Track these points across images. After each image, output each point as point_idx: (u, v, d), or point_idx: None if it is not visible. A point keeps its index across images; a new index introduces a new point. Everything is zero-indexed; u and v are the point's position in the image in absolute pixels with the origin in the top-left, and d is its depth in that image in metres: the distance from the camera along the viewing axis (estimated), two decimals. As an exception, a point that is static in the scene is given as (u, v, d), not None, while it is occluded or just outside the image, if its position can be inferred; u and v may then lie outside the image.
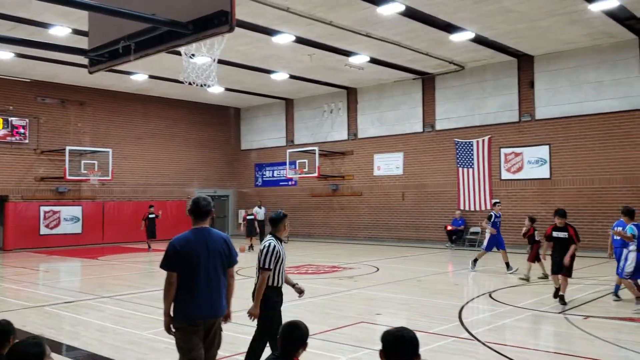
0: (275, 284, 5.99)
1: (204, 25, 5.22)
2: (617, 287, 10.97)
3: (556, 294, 10.70)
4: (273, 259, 5.92)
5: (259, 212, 25.50)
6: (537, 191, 21.12)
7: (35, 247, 23.42)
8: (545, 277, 13.66)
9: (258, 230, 23.94)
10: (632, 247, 9.93)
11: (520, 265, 14.74)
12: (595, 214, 19.74)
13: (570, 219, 21.82)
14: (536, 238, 14.02)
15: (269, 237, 6.12)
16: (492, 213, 15.62)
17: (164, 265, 5.03)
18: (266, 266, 5.91)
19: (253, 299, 5.95)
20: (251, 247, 22.16)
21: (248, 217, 23.08)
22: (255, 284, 5.99)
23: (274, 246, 5.96)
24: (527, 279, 13.57)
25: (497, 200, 16.95)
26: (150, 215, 22.93)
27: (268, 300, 5.92)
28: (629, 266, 9.89)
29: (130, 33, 5.67)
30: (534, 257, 13.79)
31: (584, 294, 11.54)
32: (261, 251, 5.98)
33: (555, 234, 10.76)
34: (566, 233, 10.66)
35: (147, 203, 27.09)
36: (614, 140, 19.57)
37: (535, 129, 21.34)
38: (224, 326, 5.32)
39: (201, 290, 4.98)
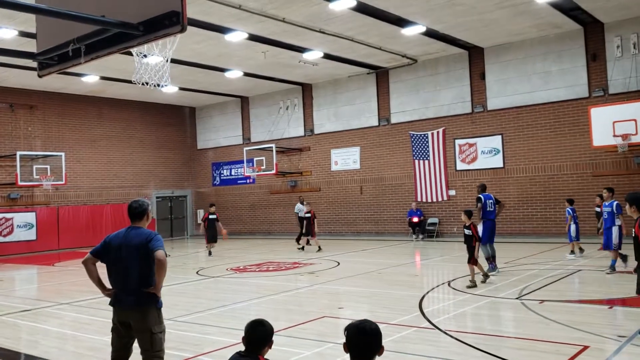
0: None
1: (155, 26, 5.18)
2: (614, 262, 12.24)
3: None
4: None
5: (301, 209, 22.64)
6: (491, 180, 21.54)
7: (-13, 256, 22.75)
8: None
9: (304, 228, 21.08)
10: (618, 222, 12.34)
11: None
12: (548, 201, 20.29)
13: (523, 206, 22.20)
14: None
15: None
16: None
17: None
18: None
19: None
20: (303, 246, 20.97)
21: (300, 216, 21.11)
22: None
23: None
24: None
25: None
26: (211, 216, 20.25)
27: None
28: (615, 238, 12.20)
29: (80, 35, 5.59)
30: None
31: (539, 279, 11.87)
32: None
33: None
34: None
35: (104, 207, 26.72)
36: (563, 129, 20.13)
37: (487, 119, 21.78)
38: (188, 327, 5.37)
39: (115, 281, 5.35)
